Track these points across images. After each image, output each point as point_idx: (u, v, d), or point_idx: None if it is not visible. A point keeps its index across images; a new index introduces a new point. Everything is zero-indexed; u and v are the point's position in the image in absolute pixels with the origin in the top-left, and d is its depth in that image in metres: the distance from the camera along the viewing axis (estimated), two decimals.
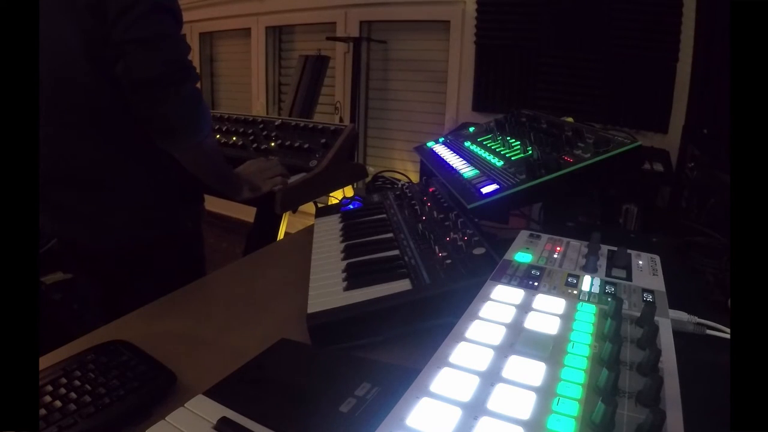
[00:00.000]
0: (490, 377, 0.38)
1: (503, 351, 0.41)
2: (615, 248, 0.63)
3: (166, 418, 0.45)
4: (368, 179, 1.74)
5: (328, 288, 0.72)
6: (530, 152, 0.93)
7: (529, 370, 0.39)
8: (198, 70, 0.97)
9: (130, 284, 1.03)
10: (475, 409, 0.35)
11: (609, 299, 0.50)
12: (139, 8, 0.84)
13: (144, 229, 1.02)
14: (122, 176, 0.99)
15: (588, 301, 0.51)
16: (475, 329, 0.45)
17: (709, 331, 0.63)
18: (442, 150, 1.18)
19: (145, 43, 0.85)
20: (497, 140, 1.09)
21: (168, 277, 1.01)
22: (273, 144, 1.54)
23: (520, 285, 0.54)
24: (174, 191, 1.07)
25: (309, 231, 1.02)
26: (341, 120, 3.13)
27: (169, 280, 0.87)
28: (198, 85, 0.95)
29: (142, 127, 0.93)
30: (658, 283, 0.56)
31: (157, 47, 0.87)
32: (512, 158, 0.95)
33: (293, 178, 1.34)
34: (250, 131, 1.62)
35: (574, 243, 0.66)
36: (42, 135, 0.91)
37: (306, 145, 1.47)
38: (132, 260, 1.03)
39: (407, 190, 1.05)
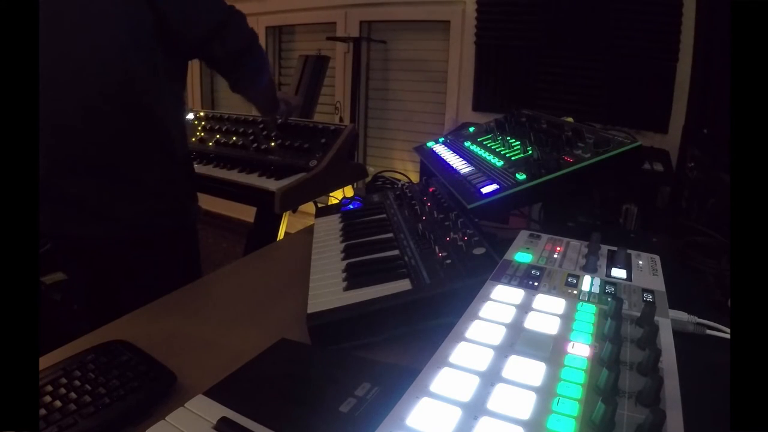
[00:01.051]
0: (490, 377, 0.38)
1: (503, 351, 0.41)
2: (615, 248, 0.63)
3: (166, 418, 0.45)
4: (368, 179, 1.74)
5: (328, 288, 0.72)
6: (530, 152, 0.93)
7: (529, 370, 0.39)
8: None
9: (129, 279, 1.03)
10: (475, 409, 0.35)
11: (609, 299, 0.50)
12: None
13: (149, 221, 1.03)
14: (139, 167, 1.00)
15: (588, 301, 0.51)
16: (475, 329, 0.45)
17: (709, 331, 0.63)
18: (442, 150, 1.17)
19: (224, 26, 1.02)
20: (497, 140, 1.09)
21: (166, 272, 1.02)
22: (273, 144, 1.54)
23: (520, 285, 0.54)
24: (182, 186, 1.09)
25: (309, 231, 1.02)
26: (341, 120, 3.13)
27: (167, 276, 0.87)
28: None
29: (162, 121, 1.01)
30: (658, 283, 0.56)
31: (232, 23, 1.04)
32: (512, 158, 0.95)
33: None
34: (250, 131, 1.62)
35: (574, 243, 0.66)
36: (72, 121, 0.93)
37: (306, 145, 1.47)
38: (132, 254, 1.03)
39: (407, 190, 1.05)
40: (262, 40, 3.43)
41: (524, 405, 0.35)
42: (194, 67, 3.88)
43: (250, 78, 1.12)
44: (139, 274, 1.04)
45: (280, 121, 1.54)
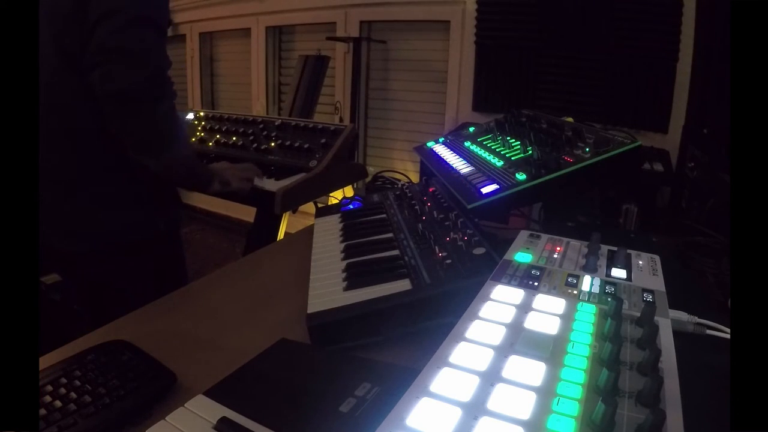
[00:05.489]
0: (490, 377, 0.38)
1: (503, 351, 0.41)
2: (615, 248, 0.63)
3: (166, 418, 0.45)
4: (368, 179, 1.74)
5: (328, 288, 0.72)
6: (530, 152, 0.93)
7: (529, 370, 0.39)
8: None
9: (108, 288, 1.03)
10: (475, 409, 0.35)
11: (609, 299, 0.50)
12: (123, 17, 0.82)
13: (117, 232, 1.02)
14: (95, 180, 0.98)
15: (588, 301, 0.51)
16: (475, 329, 0.45)
17: (709, 331, 0.63)
18: (442, 150, 1.18)
19: (125, 54, 0.84)
20: (497, 140, 1.09)
21: (145, 280, 1.00)
22: (273, 144, 1.54)
23: (520, 285, 0.54)
24: (147, 195, 1.06)
25: (309, 231, 1.02)
26: (341, 120, 3.13)
27: (147, 284, 0.85)
28: (174, 101, 0.95)
29: (110, 132, 0.92)
30: (658, 283, 0.56)
31: (140, 61, 0.85)
32: (512, 158, 0.95)
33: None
34: (250, 131, 1.62)
35: (574, 243, 0.66)
36: None
37: (306, 145, 1.48)
38: (107, 263, 1.02)
39: (407, 190, 1.05)
40: (262, 40, 3.46)
41: (524, 405, 0.35)
42: (194, 67, 3.89)
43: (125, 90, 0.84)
44: (117, 280, 1.02)
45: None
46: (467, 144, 1.15)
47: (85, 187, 0.98)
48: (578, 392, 0.37)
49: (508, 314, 0.48)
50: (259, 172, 1.34)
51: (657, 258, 0.63)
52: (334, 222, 1.01)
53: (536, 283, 0.54)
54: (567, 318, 0.47)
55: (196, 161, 1.11)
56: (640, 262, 0.61)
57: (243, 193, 1.29)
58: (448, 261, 0.70)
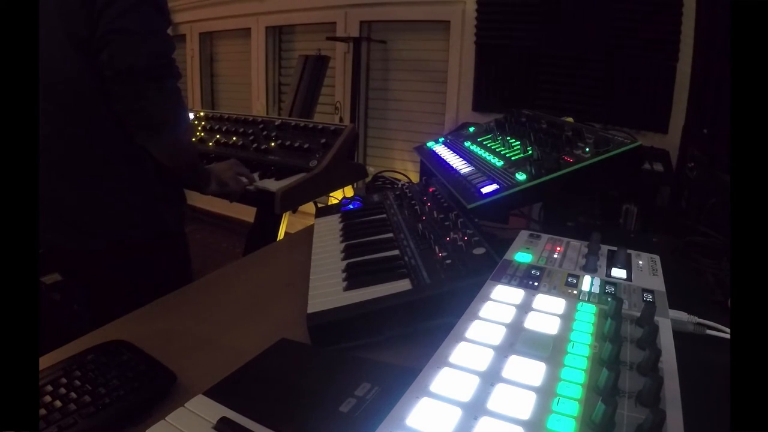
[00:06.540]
0: (490, 377, 0.38)
1: (503, 351, 0.41)
2: (615, 248, 0.63)
3: (166, 418, 0.45)
4: (368, 179, 1.74)
5: (328, 288, 0.72)
6: (530, 152, 0.93)
7: (529, 370, 0.39)
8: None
9: (114, 287, 1.03)
10: (475, 409, 0.35)
11: (609, 299, 0.50)
12: (127, 1, 0.85)
13: (124, 230, 1.02)
14: (102, 177, 0.98)
15: (588, 301, 0.51)
16: (475, 329, 0.45)
17: (709, 331, 0.63)
18: (442, 150, 1.18)
19: (131, 33, 0.86)
20: (497, 140, 1.09)
21: (151, 279, 1.00)
22: (273, 144, 1.54)
23: (520, 285, 0.54)
24: (155, 192, 1.06)
25: (309, 231, 1.02)
26: (341, 120, 3.13)
27: (153, 282, 0.85)
28: (179, 81, 0.96)
29: (121, 124, 0.93)
30: (658, 283, 0.56)
31: (144, 39, 0.87)
32: (512, 158, 0.95)
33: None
34: (250, 131, 1.62)
35: (574, 243, 0.66)
36: None
37: (306, 145, 1.48)
38: (113, 262, 1.02)
39: (407, 190, 1.05)
40: (262, 40, 3.47)
41: (524, 405, 0.35)
42: (194, 67, 3.89)
43: (139, 106, 0.89)
44: (123, 283, 1.02)
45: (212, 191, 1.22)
46: (467, 144, 1.15)
47: (99, 184, 0.98)
48: (578, 392, 0.37)
49: (508, 314, 0.48)
50: (249, 174, 1.34)
51: (657, 258, 0.63)
52: (334, 222, 1.01)
53: (536, 283, 0.54)
54: (567, 318, 0.47)
55: (196, 154, 1.12)
56: (640, 262, 0.61)
57: (238, 196, 1.29)
58: (448, 261, 0.70)
